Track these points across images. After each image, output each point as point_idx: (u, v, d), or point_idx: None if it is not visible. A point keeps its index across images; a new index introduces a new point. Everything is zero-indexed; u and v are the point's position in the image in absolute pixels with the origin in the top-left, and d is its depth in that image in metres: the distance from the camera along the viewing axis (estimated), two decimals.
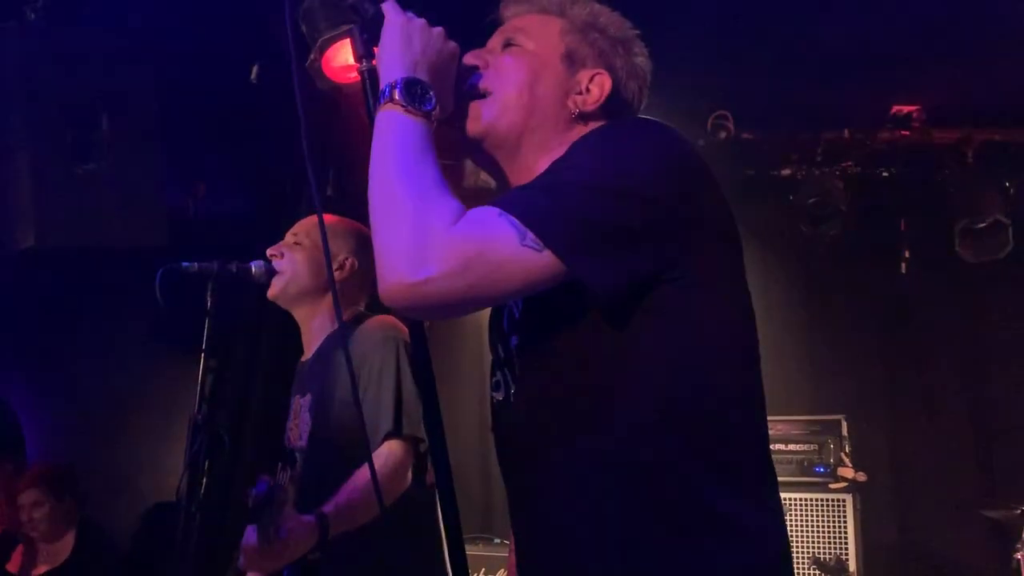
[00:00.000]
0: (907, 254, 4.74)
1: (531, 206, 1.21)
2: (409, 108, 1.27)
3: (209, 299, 2.34)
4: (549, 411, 1.33)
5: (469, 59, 1.44)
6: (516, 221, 1.18)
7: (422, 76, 1.30)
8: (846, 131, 4.70)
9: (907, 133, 4.56)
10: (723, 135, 4.59)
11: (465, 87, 1.41)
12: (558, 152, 1.35)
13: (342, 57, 3.39)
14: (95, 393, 4.63)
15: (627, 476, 1.25)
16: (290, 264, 2.60)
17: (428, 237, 1.17)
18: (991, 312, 4.77)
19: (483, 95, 1.42)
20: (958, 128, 4.61)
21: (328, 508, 2.28)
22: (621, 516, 1.25)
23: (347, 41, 3.74)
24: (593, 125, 1.43)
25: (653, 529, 1.24)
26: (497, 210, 1.20)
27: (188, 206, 4.51)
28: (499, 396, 1.44)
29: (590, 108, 1.43)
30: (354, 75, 3.67)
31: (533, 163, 1.40)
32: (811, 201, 4.70)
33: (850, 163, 4.74)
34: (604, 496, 1.26)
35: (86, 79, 3.42)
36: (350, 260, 2.63)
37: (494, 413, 1.48)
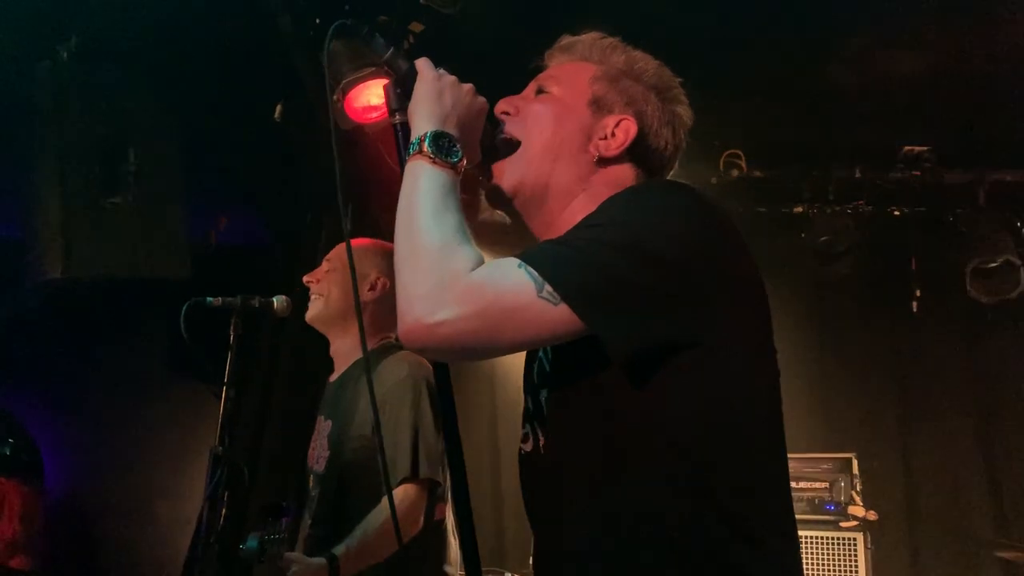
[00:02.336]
0: (918, 293, 4.75)
1: (551, 260, 1.23)
2: (436, 159, 1.32)
3: (232, 333, 2.41)
4: (575, 465, 1.34)
5: (502, 105, 1.50)
6: (535, 272, 1.20)
7: (451, 129, 1.36)
8: (858, 170, 4.75)
9: (918, 173, 4.59)
10: (735, 173, 4.65)
11: (493, 137, 1.47)
12: (581, 198, 1.39)
13: (364, 99, 3.53)
14: (116, 421, 4.69)
15: (653, 531, 1.26)
16: (325, 287, 2.74)
17: (447, 281, 1.20)
18: (1003, 352, 4.77)
19: (509, 146, 1.47)
20: (970, 169, 4.65)
21: (340, 550, 2.33)
22: (646, 570, 1.27)
23: (369, 83, 3.85)
24: (617, 170, 1.46)
25: None
26: (518, 261, 1.22)
27: (210, 238, 4.59)
28: (527, 447, 1.46)
29: (612, 153, 1.45)
30: (375, 115, 3.77)
31: (560, 209, 1.44)
32: (823, 239, 4.74)
33: (862, 202, 4.78)
34: (630, 550, 1.27)
35: (114, 115, 3.52)
36: (381, 280, 2.73)
37: (522, 464, 1.50)
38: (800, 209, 4.90)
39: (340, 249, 2.83)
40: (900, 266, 4.85)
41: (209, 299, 2.43)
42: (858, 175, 4.74)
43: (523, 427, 1.49)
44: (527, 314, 1.20)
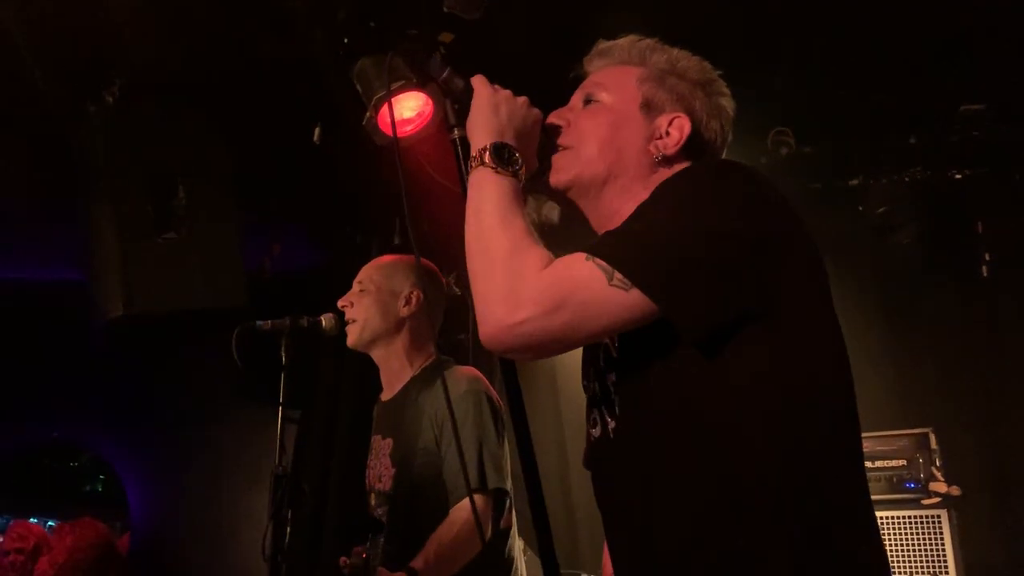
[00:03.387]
0: (987, 257, 4.58)
1: (617, 247, 1.27)
2: (499, 169, 1.39)
3: (283, 354, 2.45)
4: (649, 446, 1.36)
5: (553, 119, 1.54)
6: (603, 263, 1.25)
7: (509, 141, 1.43)
8: (912, 136, 4.60)
9: (977, 133, 4.43)
10: (784, 151, 4.55)
11: (549, 147, 1.51)
12: (642, 195, 1.41)
13: (396, 113, 3.55)
14: (191, 453, 4.80)
15: (731, 511, 1.26)
16: (360, 311, 2.72)
17: (522, 282, 1.26)
18: None
19: (566, 150, 1.51)
20: None
21: (418, 563, 2.37)
22: (738, 549, 1.26)
23: (399, 97, 3.87)
24: (677, 166, 1.49)
25: (755, 565, 1.24)
26: (585, 255, 1.27)
27: (265, 266, 4.68)
28: (596, 432, 1.48)
29: (671, 151, 1.49)
30: (409, 129, 3.79)
31: (618, 207, 1.47)
32: (881, 210, 4.61)
33: (919, 168, 4.63)
34: (708, 530, 1.27)
35: (161, 151, 3.61)
36: (415, 293, 2.74)
37: (592, 449, 1.52)
38: (855, 182, 4.77)
39: (369, 269, 2.83)
40: (966, 231, 4.68)
41: (259, 323, 2.47)
42: (912, 141, 4.60)
43: (590, 413, 1.50)
44: (602, 304, 1.24)
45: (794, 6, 3.61)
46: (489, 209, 1.34)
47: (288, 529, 2.20)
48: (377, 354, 2.78)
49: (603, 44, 1.60)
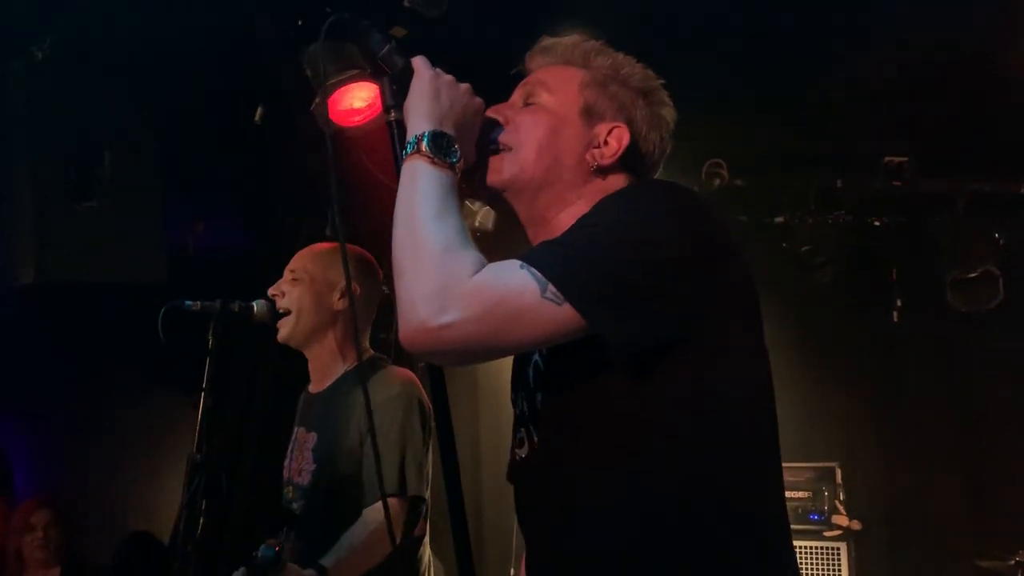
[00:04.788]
0: (899, 303, 4.78)
1: (554, 260, 1.23)
2: (435, 160, 1.31)
3: (211, 338, 2.35)
4: (573, 465, 1.33)
5: (491, 114, 1.48)
6: (538, 274, 1.21)
7: (448, 129, 1.35)
8: (839, 180, 4.77)
9: (899, 183, 4.61)
10: (717, 182, 4.65)
11: (488, 141, 1.45)
12: (577, 205, 1.38)
13: (347, 101, 3.49)
14: (89, 430, 4.60)
15: (651, 533, 1.26)
16: (293, 302, 2.60)
17: (450, 284, 1.20)
18: (983, 361, 4.79)
19: (504, 150, 1.46)
20: (948, 178, 4.68)
21: (328, 561, 2.30)
22: (649, 569, 1.26)
23: (351, 86, 3.81)
24: (611, 177, 1.46)
25: None
26: (520, 263, 1.23)
27: (188, 243, 4.53)
28: (522, 453, 1.45)
29: (607, 162, 1.45)
30: (357, 119, 3.73)
31: (553, 216, 1.43)
32: (804, 249, 4.75)
33: (843, 212, 4.80)
34: (627, 552, 1.27)
35: (89, 118, 3.46)
36: (354, 286, 2.60)
37: (515, 469, 1.49)
38: (782, 219, 4.92)
39: (303, 257, 2.68)
40: (881, 276, 4.87)
41: (188, 303, 2.37)
42: (839, 184, 4.76)
43: (516, 432, 1.47)
44: (532, 315, 1.20)
45: (739, 42, 3.70)
46: (422, 203, 1.27)
47: (201, 520, 2.11)
48: (310, 348, 2.67)
49: (547, 41, 1.55)
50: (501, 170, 1.45)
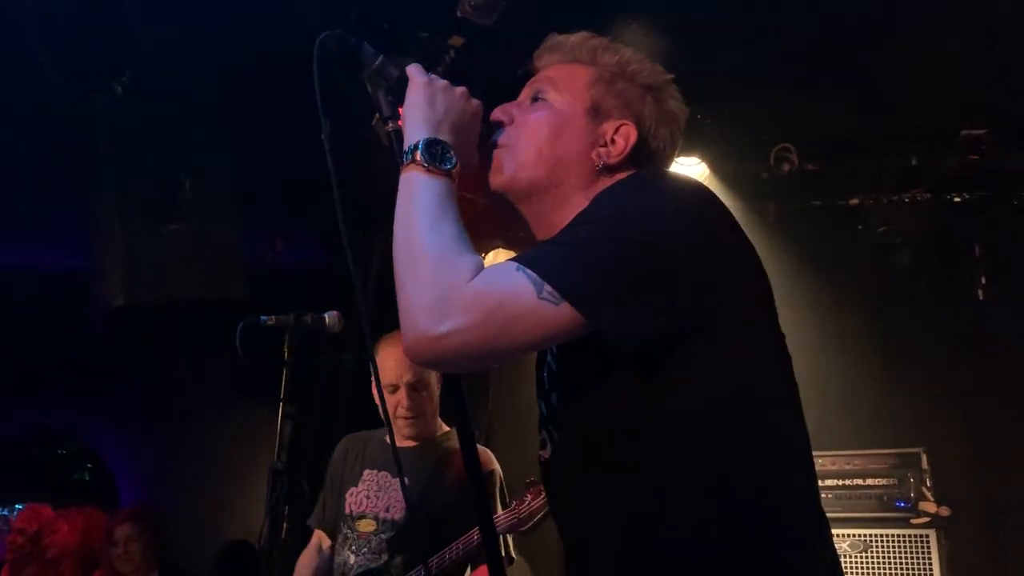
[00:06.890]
0: (983, 280, 4.61)
1: (548, 260, 1.22)
2: (430, 168, 1.31)
3: (286, 350, 2.45)
4: (589, 466, 1.33)
5: (496, 114, 1.48)
6: (534, 275, 1.20)
7: (444, 136, 1.35)
8: (913, 158, 4.63)
9: (976, 157, 4.46)
10: (787, 167, 4.56)
11: (489, 142, 1.45)
12: (582, 205, 1.36)
13: None
14: (182, 443, 4.80)
15: (673, 527, 1.25)
16: (427, 410, 3.10)
17: (448, 292, 1.20)
18: None
19: (504, 150, 1.46)
20: None
21: None
22: (670, 568, 1.26)
23: None
24: (619, 176, 1.43)
25: None
26: (515, 265, 1.22)
27: (267, 260, 4.69)
28: (545, 454, 1.45)
29: (614, 160, 1.44)
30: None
31: (559, 216, 1.40)
32: (881, 230, 4.63)
33: (919, 190, 4.66)
34: (651, 548, 1.26)
35: (169, 145, 3.62)
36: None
37: (544, 471, 1.49)
38: (856, 201, 4.80)
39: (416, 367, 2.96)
40: (963, 253, 4.71)
41: (264, 317, 2.47)
42: (914, 162, 4.62)
43: (540, 433, 1.47)
44: (530, 317, 1.19)
45: (804, 25, 3.63)
46: (417, 212, 1.27)
47: (285, 525, 2.21)
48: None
49: (554, 38, 1.54)
50: (498, 169, 1.45)
